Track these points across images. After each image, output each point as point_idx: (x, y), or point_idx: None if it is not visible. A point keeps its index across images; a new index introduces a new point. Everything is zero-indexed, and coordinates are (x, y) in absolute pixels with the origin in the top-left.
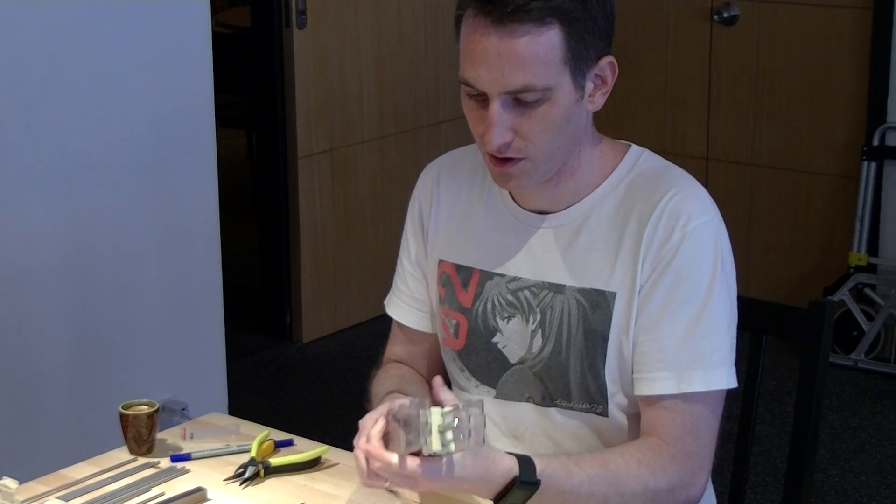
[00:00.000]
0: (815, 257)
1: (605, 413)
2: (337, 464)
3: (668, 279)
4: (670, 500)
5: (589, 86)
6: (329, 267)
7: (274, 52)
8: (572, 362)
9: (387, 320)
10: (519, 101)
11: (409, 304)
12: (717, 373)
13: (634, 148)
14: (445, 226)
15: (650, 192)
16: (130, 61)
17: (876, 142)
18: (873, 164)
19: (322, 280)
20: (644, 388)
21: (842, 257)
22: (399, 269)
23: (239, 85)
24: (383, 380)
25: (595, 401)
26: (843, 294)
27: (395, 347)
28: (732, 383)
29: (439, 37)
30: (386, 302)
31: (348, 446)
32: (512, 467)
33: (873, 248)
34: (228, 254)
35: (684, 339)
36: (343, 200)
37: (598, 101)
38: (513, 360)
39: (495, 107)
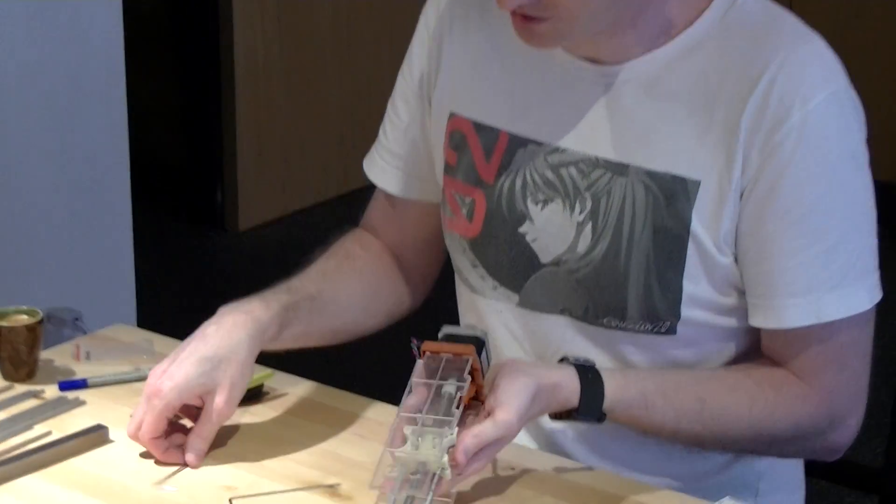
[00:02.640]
0: None
1: (672, 331)
2: (285, 394)
3: (789, 178)
4: (803, 449)
5: None
6: (275, 131)
7: None
8: (633, 269)
9: (350, 203)
10: None
11: (388, 160)
12: (861, 290)
13: None
14: (462, 66)
15: (754, 50)
16: None
17: None
18: None
19: (265, 149)
20: (769, 320)
21: None
22: (389, 108)
23: None
24: (324, 268)
25: (660, 318)
26: None
27: (372, 212)
28: (877, 296)
29: None
30: (366, 158)
31: (302, 370)
32: (570, 398)
33: None
34: (140, 116)
35: (818, 254)
36: (294, 39)
37: None
38: (544, 258)
39: None
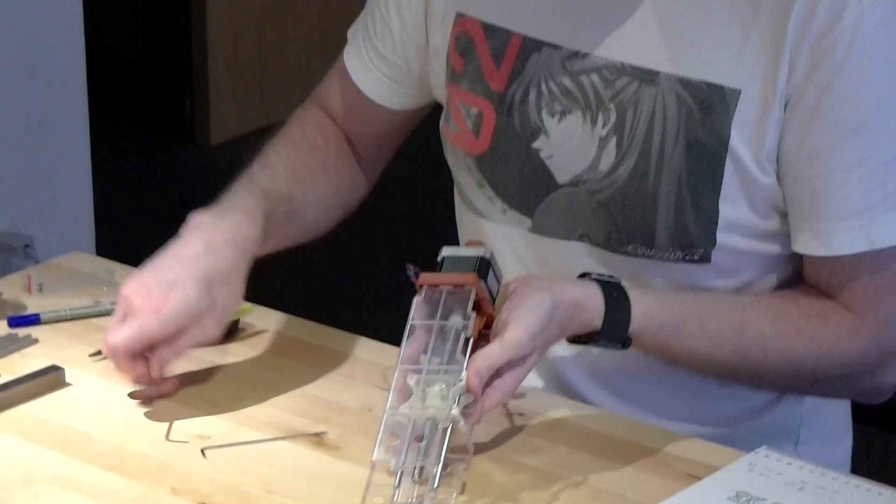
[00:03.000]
0: None
1: (705, 259)
2: (263, 331)
3: (841, 84)
4: (849, 389)
5: None
6: (251, 34)
7: None
8: (664, 190)
9: None
10: None
11: (374, 63)
12: None
13: None
14: None
15: None
16: None
17: None
18: None
19: (241, 54)
20: (815, 246)
21: None
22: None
23: None
24: (292, 164)
25: (693, 244)
26: None
27: (334, 96)
28: None
29: None
30: (349, 49)
31: (282, 304)
32: (592, 319)
33: None
34: (97, 13)
35: (872, 171)
36: None
37: None
38: (561, 178)
39: None
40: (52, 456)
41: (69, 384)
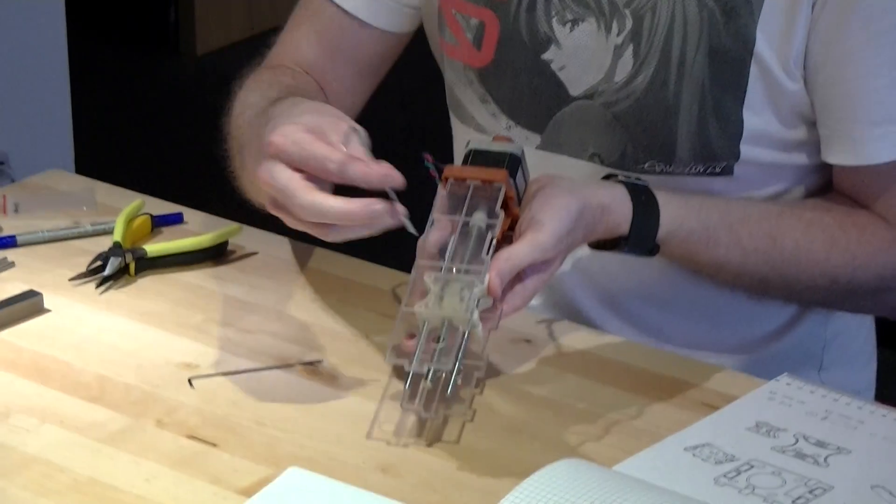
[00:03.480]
0: None
1: (728, 171)
2: (254, 253)
3: None
4: (882, 304)
5: None
6: None
7: None
8: (685, 100)
9: None
10: None
11: None
12: None
13: None
14: None
15: None
16: None
17: None
18: None
19: None
20: (846, 155)
21: None
22: None
23: None
24: (260, 87)
25: (716, 157)
26: None
27: (305, 46)
28: None
29: None
30: None
31: (274, 224)
32: (619, 224)
33: None
34: None
35: None
36: None
37: None
38: (574, 90)
39: None
40: (30, 386)
41: (48, 310)
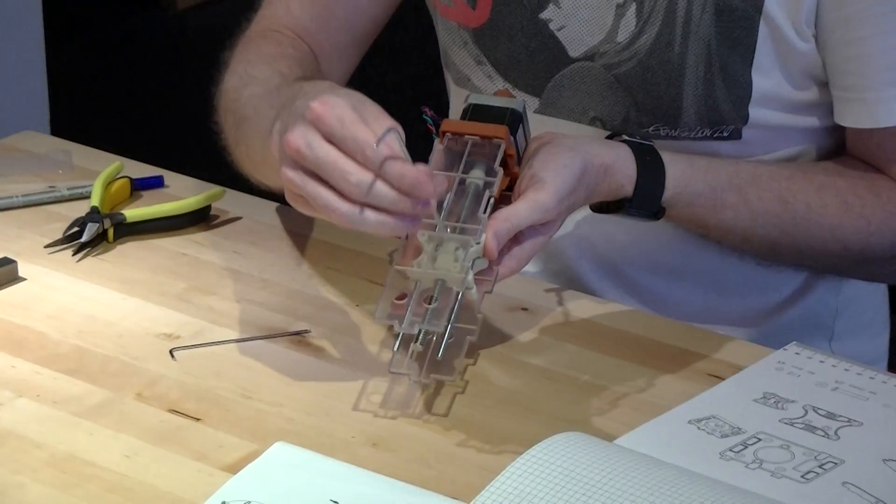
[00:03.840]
0: None
1: (735, 135)
2: (238, 218)
3: None
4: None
5: None
6: None
7: None
8: (691, 61)
9: None
10: None
11: None
12: None
13: None
14: None
15: None
16: None
17: None
18: None
19: None
20: (860, 117)
21: None
22: None
23: None
24: (263, 62)
25: (723, 120)
26: None
27: (298, 6)
28: None
29: None
30: None
31: (259, 188)
32: (622, 185)
33: None
34: None
35: None
36: None
37: None
38: (574, 52)
39: None
40: (4, 358)
41: (23, 279)
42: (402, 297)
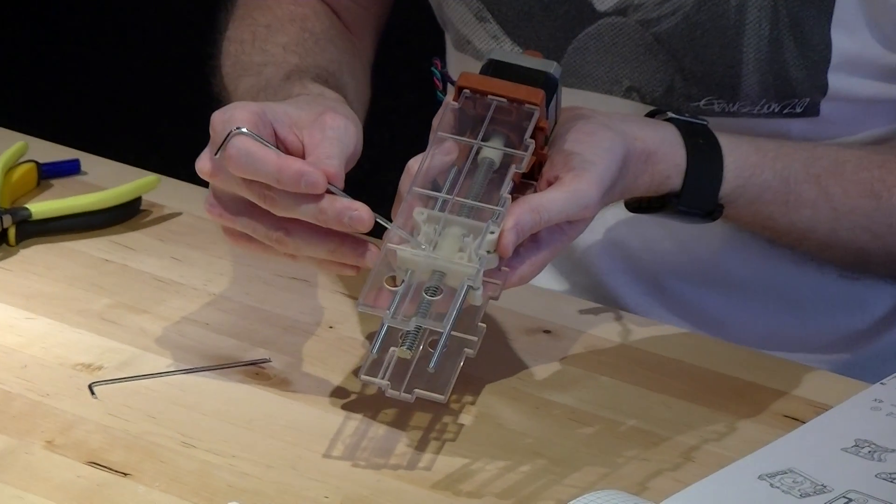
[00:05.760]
0: None
1: (811, 111)
2: (177, 214)
3: None
4: None
5: None
6: None
7: None
8: (751, 17)
9: None
10: None
11: None
12: None
13: None
14: None
15: None
16: None
17: None
18: None
19: None
20: None
21: None
22: None
23: None
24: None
25: (794, 92)
26: None
27: None
28: None
29: None
30: None
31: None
32: (669, 177)
33: None
34: None
35: None
36: None
37: None
38: (602, 4)
39: None
40: None
41: None
42: (393, 283)
